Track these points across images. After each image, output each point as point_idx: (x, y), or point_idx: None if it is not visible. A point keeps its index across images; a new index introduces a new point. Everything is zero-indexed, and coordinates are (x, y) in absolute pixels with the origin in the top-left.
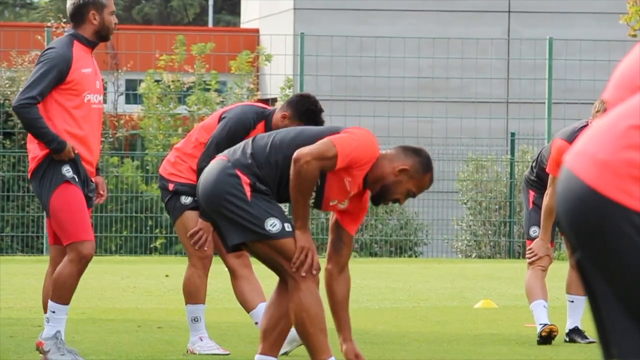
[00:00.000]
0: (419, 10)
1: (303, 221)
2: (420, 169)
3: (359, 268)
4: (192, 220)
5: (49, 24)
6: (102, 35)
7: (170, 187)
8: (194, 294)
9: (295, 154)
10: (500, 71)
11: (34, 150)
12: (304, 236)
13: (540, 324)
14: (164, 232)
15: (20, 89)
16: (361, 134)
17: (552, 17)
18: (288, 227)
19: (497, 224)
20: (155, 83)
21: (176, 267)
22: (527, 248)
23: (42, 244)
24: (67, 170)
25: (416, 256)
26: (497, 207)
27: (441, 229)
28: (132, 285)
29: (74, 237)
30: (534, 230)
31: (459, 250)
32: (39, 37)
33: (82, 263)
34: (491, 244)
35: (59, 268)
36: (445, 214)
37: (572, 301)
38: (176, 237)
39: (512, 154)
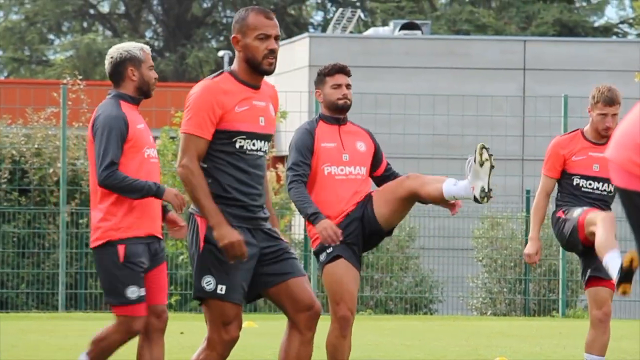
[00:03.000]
0: (433, 67)
1: (215, 216)
2: (240, 21)
3: (374, 325)
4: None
5: (64, 81)
6: (144, 91)
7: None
8: (331, 354)
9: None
10: (515, 128)
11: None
12: (222, 230)
13: None
14: (179, 289)
15: (98, 165)
16: (194, 95)
17: (567, 74)
18: (221, 289)
19: (513, 282)
20: (171, 140)
21: (191, 325)
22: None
23: (57, 300)
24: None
25: (431, 313)
26: (512, 264)
27: (456, 287)
28: None
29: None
30: (576, 211)
31: (474, 307)
32: (55, 94)
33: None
34: (506, 301)
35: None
36: (461, 271)
37: None
38: (191, 294)
39: (528, 211)
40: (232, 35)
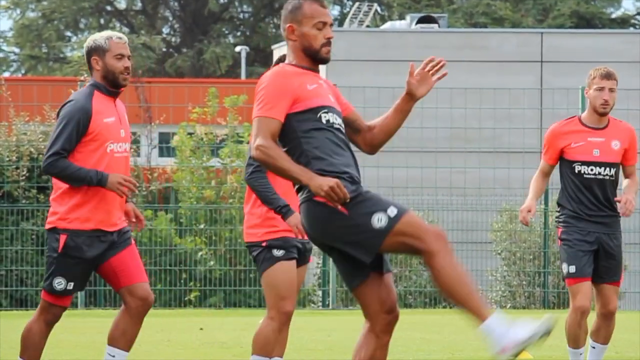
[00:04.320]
0: (450, 61)
1: (305, 173)
2: (294, 10)
3: None
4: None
5: (82, 78)
6: (109, 80)
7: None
8: (263, 346)
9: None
10: (533, 121)
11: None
12: (317, 180)
13: None
14: (198, 285)
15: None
16: (265, 82)
17: (584, 66)
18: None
19: (532, 274)
20: (188, 136)
21: (210, 320)
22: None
23: (76, 297)
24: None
25: (451, 307)
26: (531, 257)
27: (475, 280)
28: (167, 339)
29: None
30: (564, 267)
31: (493, 300)
32: (72, 91)
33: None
34: (526, 294)
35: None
36: (479, 264)
37: (594, 347)
38: (210, 290)
39: (546, 204)
40: (287, 25)
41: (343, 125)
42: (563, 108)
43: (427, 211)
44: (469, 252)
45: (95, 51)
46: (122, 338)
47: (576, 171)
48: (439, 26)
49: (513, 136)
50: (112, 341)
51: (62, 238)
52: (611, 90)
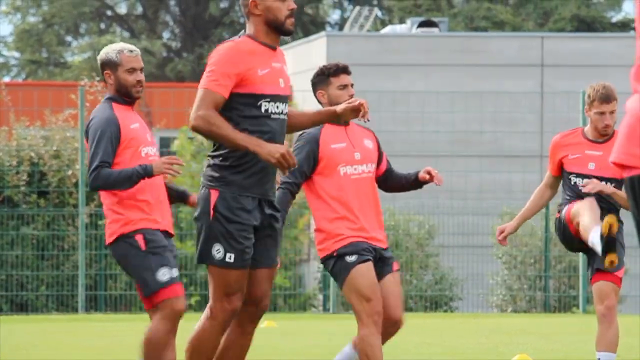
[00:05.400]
0: (451, 65)
1: (251, 140)
2: None
3: None
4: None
5: (82, 83)
6: (122, 93)
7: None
8: (370, 356)
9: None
10: (533, 125)
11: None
12: (267, 147)
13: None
14: (199, 289)
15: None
16: (217, 55)
17: (585, 70)
18: (229, 257)
19: (533, 278)
20: (189, 140)
21: None
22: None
23: (77, 302)
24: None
25: (451, 311)
26: (532, 261)
27: (476, 284)
28: None
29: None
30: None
31: (494, 304)
32: (73, 96)
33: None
34: (527, 298)
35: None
36: (480, 268)
37: (599, 358)
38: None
39: (547, 207)
40: (250, 0)
41: (285, 112)
42: (564, 112)
43: (428, 215)
44: (470, 256)
45: (107, 65)
46: None
47: (572, 183)
48: (439, 30)
49: (514, 140)
50: None
51: (139, 237)
52: (612, 112)
